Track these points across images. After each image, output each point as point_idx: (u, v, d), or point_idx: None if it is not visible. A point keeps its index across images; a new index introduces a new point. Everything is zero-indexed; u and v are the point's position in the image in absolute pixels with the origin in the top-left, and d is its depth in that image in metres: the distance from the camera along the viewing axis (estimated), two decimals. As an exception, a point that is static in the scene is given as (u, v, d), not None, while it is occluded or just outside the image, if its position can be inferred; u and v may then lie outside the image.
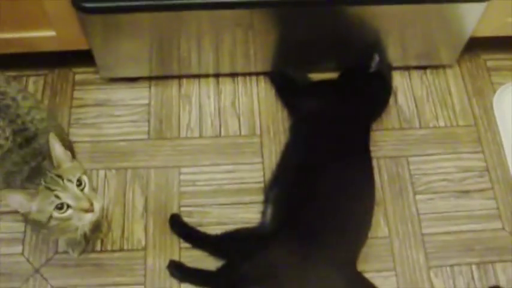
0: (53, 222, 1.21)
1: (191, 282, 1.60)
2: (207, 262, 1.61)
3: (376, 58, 1.75)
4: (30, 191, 1.21)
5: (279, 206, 1.61)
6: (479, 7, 1.65)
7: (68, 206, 1.21)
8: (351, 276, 1.57)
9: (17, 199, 1.20)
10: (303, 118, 1.77)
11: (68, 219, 1.22)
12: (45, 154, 1.32)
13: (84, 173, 1.25)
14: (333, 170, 1.61)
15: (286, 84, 1.87)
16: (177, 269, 1.61)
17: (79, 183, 1.23)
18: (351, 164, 1.64)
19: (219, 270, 1.59)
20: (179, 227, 1.67)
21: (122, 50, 1.74)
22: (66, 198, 1.20)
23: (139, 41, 1.71)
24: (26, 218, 1.34)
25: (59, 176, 1.21)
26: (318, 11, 1.64)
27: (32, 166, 1.31)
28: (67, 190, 1.20)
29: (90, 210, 1.22)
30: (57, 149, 1.24)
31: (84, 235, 1.58)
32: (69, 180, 1.21)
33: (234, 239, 1.62)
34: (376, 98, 1.80)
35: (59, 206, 1.20)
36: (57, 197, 1.19)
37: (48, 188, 1.20)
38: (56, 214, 1.20)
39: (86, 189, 1.24)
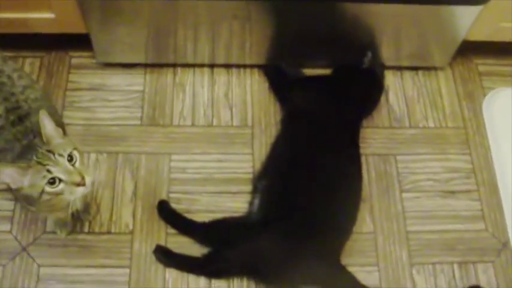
0: (44, 197, 1.23)
1: (176, 267, 1.62)
2: (193, 249, 1.63)
3: (369, 55, 1.77)
4: (22, 165, 1.23)
5: (266, 197, 1.63)
6: (473, 10, 1.67)
7: (60, 180, 1.22)
8: (334, 269, 1.59)
9: (9, 173, 1.21)
10: (294, 112, 1.79)
11: (60, 193, 1.23)
12: (37, 132, 1.34)
13: (75, 148, 1.27)
14: (322, 164, 1.64)
15: (280, 78, 1.89)
16: (163, 254, 1.63)
17: (70, 158, 1.24)
18: (339, 159, 1.67)
19: (205, 257, 1.61)
20: (167, 213, 1.69)
21: (119, 35, 1.76)
22: (57, 173, 1.21)
23: (136, 27, 1.73)
24: (17, 196, 1.36)
25: (50, 151, 1.23)
26: (314, 6, 1.66)
27: (23, 144, 1.32)
28: (58, 164, 1.22)
29: (81, 183, 1.23)
30: (48, 125, 1.25)
31: (72, 215, 1.61)
32: (60, 155, 1.23)
33: (221, 227, 1.64)
34: (368, 95, 1.83)
35: (51, 180, 1.21)
36: (49, 171, 1.21)
37: (40, 163, 1.21)
38: (48, 189, 1.21)
39: (77, 164, 1.25)
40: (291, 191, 1.61)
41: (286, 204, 1.59)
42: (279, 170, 1.68)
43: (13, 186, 1.23)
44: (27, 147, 1.29)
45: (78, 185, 1.23)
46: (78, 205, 1.30)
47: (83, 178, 1.23)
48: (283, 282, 1.60)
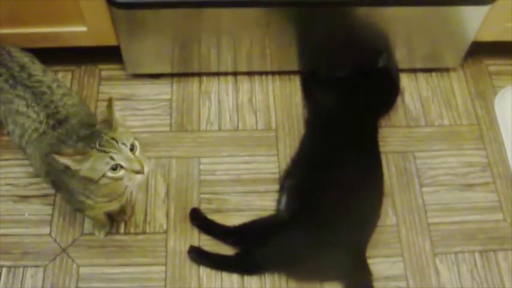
0: (103, 181, 1.30)
1: (210, 266, 1.68)
2: (226, 246, 1.69)
3: (384, 55, 1.86)
4: (83, 150, 1.29)
5: (293, 194, 1.71)
6: (481, 11, 1.76)
7: (121, 167, 1.29)
8: (359, 263, 1.66)
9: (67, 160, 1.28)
10: (316, 112, 1.88)
11: (120, 179, 1.31)
12: (79, 133, 1.41)
13: (136, 138, 1.34)
14: (344, 161, 1.71)
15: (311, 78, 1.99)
16: (197, 254, 1.69)
17: (132, 147, 1.32)
18: (360, 156, 1.74)
19: (237, 255, 1.68)
20: (199, 220, 1.75)
21: (147, 46, 1.85)
22: (120, 160, 1.28)
23: (163, 38, 1.83)
24: (62, 187, 1.44)
25: (114, 139, 1.30)
26: (330, 12, 1.76)
27: (69, 144, 1.39)
28: (121, 152, 1.29)
29: (140, 171, 1.31)
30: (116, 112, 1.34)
31: (109, 217, 1.69)
32: (124, 144, 1.30)
33: (251, 228, 1.71)
34: (385, 93, 1.91)
35: (114, 166, 1.29)
36: (112, 158, 1.28)
37: (103, 150, 1.28)
38: (109, 174, 1.29)
39: (137, 153, 1.33)
40: (315, 188, 1.68)
41: (311, 201, 1.66)
42: (303, 168, 1.76)
43: (73, 167, 1.29)
44: (88, 136, 1.35)
45: (138, 172, 1.31)
46: (134, 189, 1.36)
47: (142, 167, 1.31)
48: (311, 276, 1.67)
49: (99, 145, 1.29)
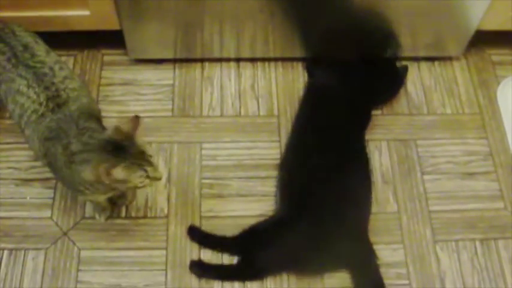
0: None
1: (213, 278, 1.65)
2: (227, 232, 1.69)
3: (392, 44, 1.87)
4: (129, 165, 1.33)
5: (285, 189, 1.72)
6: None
7: (147, 177, 1.37)
8: (363, 246, 1.66)
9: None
10: (312, 92, 1.90)
11: (143, 186, 1.39)
12: (77, 120, 1.43)
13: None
14: (331, 149, 1.73)
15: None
16: (199, 268, 1.66)
17: (150, 156, 1.39)
18: (346, 144, 1.76)
19: (239, 263, 1.66)
20: (197, 236, 1.71)
21: (150, 31, 1.85)
22: (151, 172, 1.36)
23: (166, 23, 1.82)
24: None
25: (144, 152, 1.38)
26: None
27: (68, 134, 1.41)
28: (151, 165, 1.37)
29: (160, 178, 1.41)
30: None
31: (110, 201, 1.69)
32: (150, 156, 1.38)
33: (250, 234, 1.67)
34: (386, 83, 1.91)
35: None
36: (145, 171, 1.36)
37: (138, 164, 1.35)
38: (139, 184, 1.37)
39: (154, 161, 1.40)
40: (306, 180, 1.69)
41: (303, 194, 1.66)
42: (293, 158, 1.77)
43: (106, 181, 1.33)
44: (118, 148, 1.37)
45: (158, 179, 1.40)
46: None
47: (161, 174, 1.41)
48: (317, 270, 1.66)
49: (133, 158, 1.34)
